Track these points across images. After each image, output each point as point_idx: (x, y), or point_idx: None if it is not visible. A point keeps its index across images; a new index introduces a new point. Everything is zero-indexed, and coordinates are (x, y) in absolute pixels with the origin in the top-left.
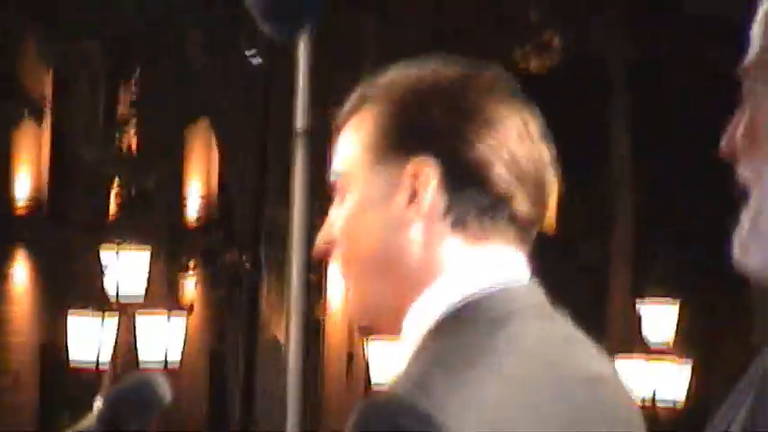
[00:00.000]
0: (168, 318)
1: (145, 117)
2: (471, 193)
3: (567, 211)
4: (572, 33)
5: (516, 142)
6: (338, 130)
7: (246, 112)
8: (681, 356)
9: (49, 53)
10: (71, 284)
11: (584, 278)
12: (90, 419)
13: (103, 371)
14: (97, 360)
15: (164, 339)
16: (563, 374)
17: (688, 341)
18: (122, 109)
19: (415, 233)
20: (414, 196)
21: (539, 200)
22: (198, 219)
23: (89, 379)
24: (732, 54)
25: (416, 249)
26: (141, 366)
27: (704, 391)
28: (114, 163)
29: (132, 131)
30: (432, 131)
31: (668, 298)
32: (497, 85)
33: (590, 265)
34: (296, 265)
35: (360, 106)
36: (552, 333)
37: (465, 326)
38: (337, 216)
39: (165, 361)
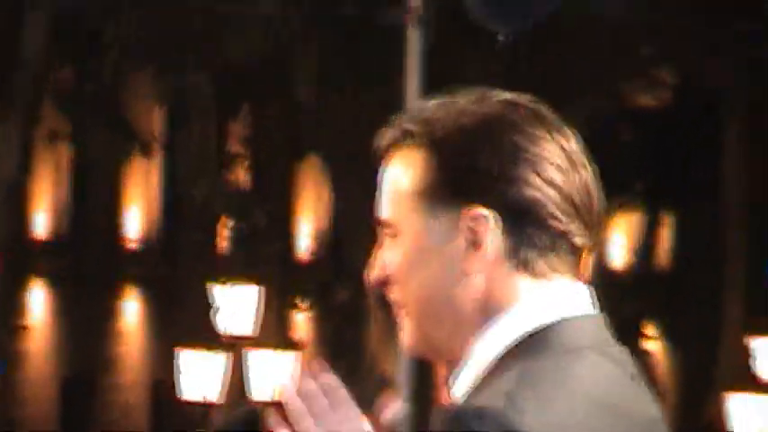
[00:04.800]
0: (278, 354)
1: (255, 153)
2: (530, 233)
3: (678, 245)
4: (685, 70)
5: (561, 174)
6: (380, 162)
7: (355, 145)
8: None
9: (160, 89)
10: (181, 320)
11: (696, 313)
12: None
13: (213, 406)
14: (207, 396)
15: (274, 375)
16: (626, 414)
17: None
18: (233, 145)
19: (479, 278)
20: (475, 242)
21: (592, 225)
22: (308, 254)
23: (199, 415)
24: None
25: (480, 293)
26: (250, 402)
27: None
28: (225, 199)
29: (243, 167)
30: (483, 177)
31: None
32: (536, 116)
33: (702, 300)
34: None
35: (403, 143)
36: (617, 372)
37: (543, 352)
38: (391, 256)
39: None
